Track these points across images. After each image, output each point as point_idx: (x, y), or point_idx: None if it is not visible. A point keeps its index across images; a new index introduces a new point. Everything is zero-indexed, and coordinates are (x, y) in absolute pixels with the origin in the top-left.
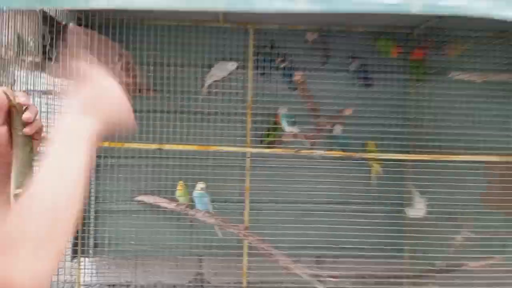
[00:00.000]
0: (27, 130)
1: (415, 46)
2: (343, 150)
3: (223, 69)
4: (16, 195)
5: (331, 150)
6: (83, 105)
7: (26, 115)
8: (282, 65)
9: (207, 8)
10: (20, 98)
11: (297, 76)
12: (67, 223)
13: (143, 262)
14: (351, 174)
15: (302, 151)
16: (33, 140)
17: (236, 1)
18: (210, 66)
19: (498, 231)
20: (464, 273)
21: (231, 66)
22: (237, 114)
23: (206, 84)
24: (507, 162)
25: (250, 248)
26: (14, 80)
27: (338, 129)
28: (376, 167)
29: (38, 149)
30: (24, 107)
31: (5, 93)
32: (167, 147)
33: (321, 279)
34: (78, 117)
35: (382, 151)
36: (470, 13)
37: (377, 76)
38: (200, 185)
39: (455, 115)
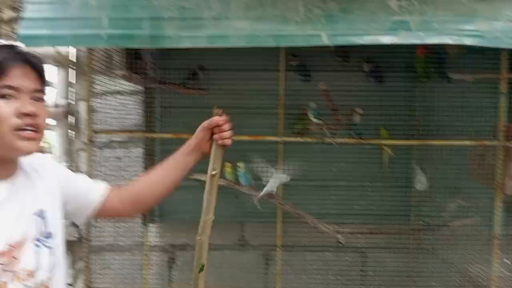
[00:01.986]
0: (220, 141)
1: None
2: (360, 137)
3: (276, 180)
4: (211, 175)
5: (349, 137)
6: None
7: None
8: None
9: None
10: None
11: (322, 86)
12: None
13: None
14: (367, 157)
15: (325, 139)
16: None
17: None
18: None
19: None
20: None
21: (286, 178)
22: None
23: (261, 195)
24: (484, 145)
25: (283, 215)
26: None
27: (356, 118)
28: (387, 150)
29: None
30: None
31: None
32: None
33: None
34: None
35: (392, 138)
36: None
37: (388, 74)
38: (240, 164)
39: (451, 108)
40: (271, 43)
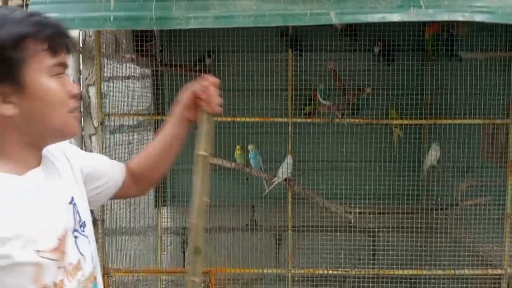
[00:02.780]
0: (210, 109)
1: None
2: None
3: (288, 164)
4: (198, 155)
5: (358, 118)
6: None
7: (211, 99)
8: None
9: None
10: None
11: (330, 65)
12: None
13: (209, 210)
14: (377, 138)
15: (335, 120)
16: (213, 115)
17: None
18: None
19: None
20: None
21: (288, 159)
22: (280, 90)
23: (277, 181)
24: (495, 124)
25: (293, 197)
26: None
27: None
28: (397, 131)
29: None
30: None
31: (196, 90)
32: (229, 119)
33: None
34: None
35: (402, 117)
36: None
37: (397, 54)
38: (251, 146)
39: (462, 87)
40: (278, 22)
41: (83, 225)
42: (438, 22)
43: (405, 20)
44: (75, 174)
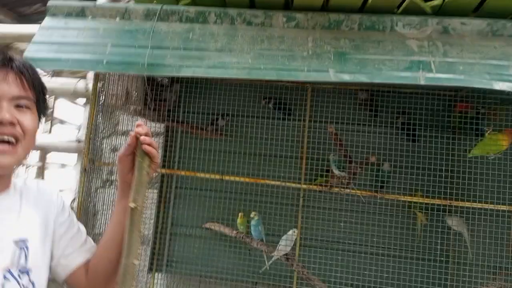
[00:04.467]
0: (143, 147)
1: (460, 101)
2: (384, 187)
3: (288, 239)
4: (131, 208)
5: (376, 192)
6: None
7: (146, 148)
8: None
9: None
10: (141, 131)
11: (330, 128)
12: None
13: (206, 281)
14: (397, 219)
15: (347, 191)
16: (151, 165)
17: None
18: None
19: None
20: None
21: (293, 233)
22: (294, 157)
23: (275, 257)
24: None
25: (299, 278)
26: (118, 121)
27: (386, 166)
28: (420, 216)
29: (152, 174)
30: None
31: (136, 135)
32: (236, 179)
33: None
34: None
35: (427, 197)
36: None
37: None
38: (252, 214)
39: (488, 168)
40: (272, 76)
41: (24, 271)
42: (465, 101)
43: (413, 84)
44: (43, 220)
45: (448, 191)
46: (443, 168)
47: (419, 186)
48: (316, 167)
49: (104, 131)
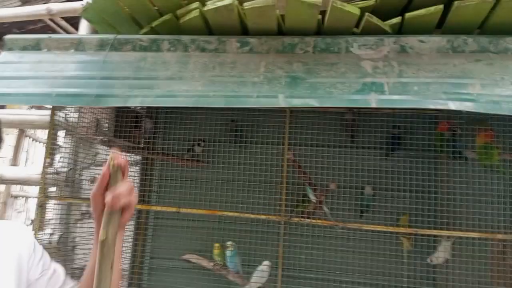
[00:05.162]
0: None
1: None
2: (366, 211)
3: (263, 272)
4: (101, 241)
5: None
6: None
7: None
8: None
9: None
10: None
11: (289, 154)
12: None
13: None
14: (382, 246)
15: (324, 222)
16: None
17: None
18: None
19: None
20: None
21: (266, 265)
22: (275, 183)
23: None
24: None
25: None
26: (97, 152)
27: (368, 190)
28: (406, 242)
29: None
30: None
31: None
32: (211, 212)
33: None
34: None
35: (413, 226)
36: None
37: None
38: (228, 244)
39: (471, 194)
40: (221, 104)
41: None
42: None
43: (366, 107)
44: (21, 269)
45: (434, 217)
46: (426, 190)
47: (403, 210)
48: (298, 192)
49: (83, 162)
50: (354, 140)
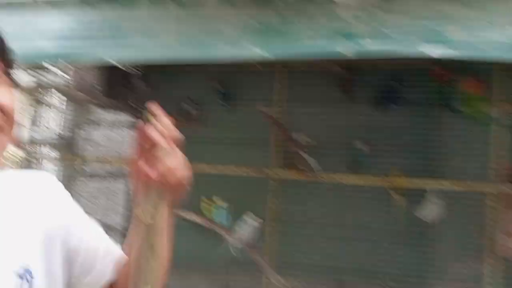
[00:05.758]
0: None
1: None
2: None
3: (247, 225)
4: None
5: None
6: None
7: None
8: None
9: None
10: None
11: (264, 110)
12: None
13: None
14: (375, 202)
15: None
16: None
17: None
18: None
19: None
20: None
21: (250, 219)
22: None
23: (235, 244)
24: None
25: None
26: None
27: (358, 144)
28: (397, 198)
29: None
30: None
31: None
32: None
33: None
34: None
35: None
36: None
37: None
38: (217, 199)
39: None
40: (195, 57)
41: None
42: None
43: (341, 54)
44: (50, 231)
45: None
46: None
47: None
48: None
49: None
50: (347, 96)
